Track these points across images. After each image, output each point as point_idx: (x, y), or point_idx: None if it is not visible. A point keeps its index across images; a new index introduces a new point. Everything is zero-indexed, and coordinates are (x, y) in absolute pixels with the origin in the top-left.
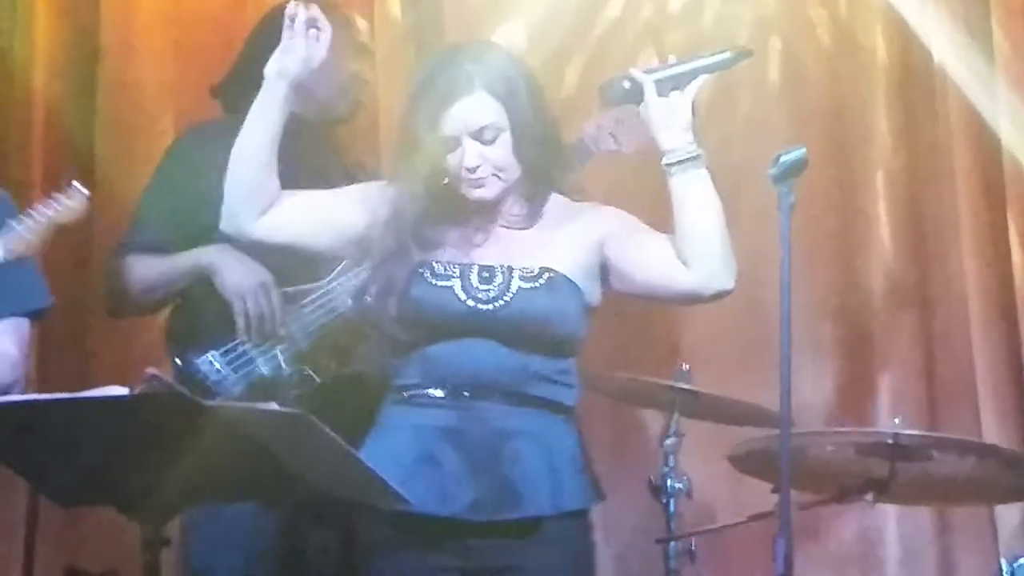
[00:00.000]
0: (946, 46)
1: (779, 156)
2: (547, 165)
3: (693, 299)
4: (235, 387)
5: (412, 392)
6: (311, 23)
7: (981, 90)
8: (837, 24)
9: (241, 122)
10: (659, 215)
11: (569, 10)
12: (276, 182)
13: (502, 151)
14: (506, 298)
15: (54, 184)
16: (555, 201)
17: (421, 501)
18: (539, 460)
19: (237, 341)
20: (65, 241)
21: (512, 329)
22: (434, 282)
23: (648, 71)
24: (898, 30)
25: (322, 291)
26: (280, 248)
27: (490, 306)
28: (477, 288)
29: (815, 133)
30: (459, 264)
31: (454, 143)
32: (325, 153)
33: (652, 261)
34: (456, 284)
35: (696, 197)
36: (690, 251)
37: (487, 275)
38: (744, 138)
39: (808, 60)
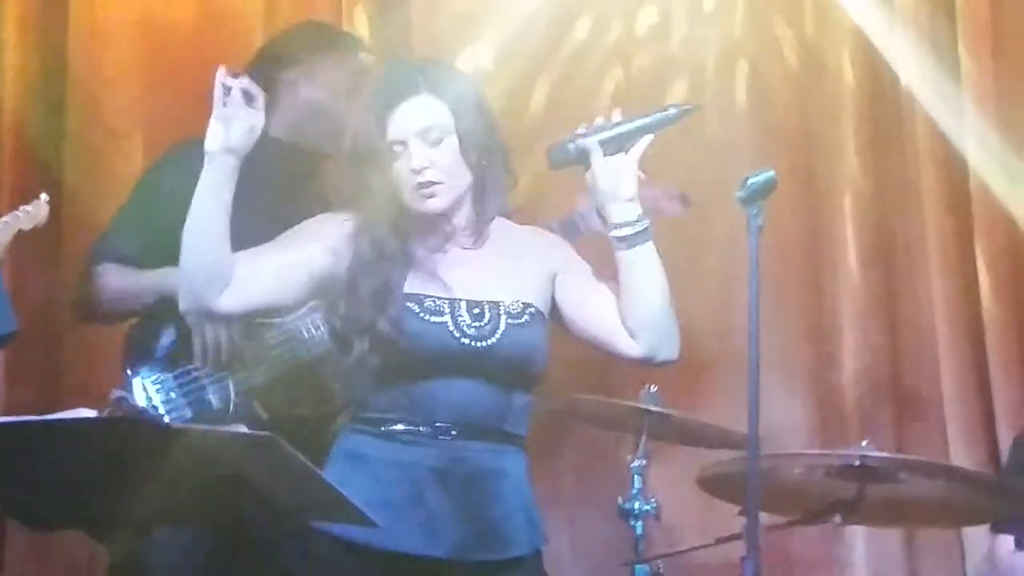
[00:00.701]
0: (913, 68)
1: (747, 178)
2: (495, 173)
3: (636, 363)
4: (183, 411)
5: (391, 427)
6: (247, 94)
7: (948, 112)
8: (804, 46)
9: None
10: None
11: (537, 32)
12: (229, 251)
13: (449, 155)
14: (496, 336)
15: (21, 200)
16: (499, 222)
17: (408, 542)
18: (516, 499)
19: (191, 367)
20: (34, 258)
21: (501, 367)
22: (426, 317)
23: (594, 131)
24: (865, 52)
25: (286, 327)
26: (248, 314)
27: (482, 344)
28: (469, 325)
29: (783, 155)
30: (447, 299)
31: (401, 147)
32: (309, 186)
33: (597, 319)
34: (448, 320)
35: (643, 271)
36: (636, 323)
37: (477, 311)
38: (712, 160)
39: (776, 82)
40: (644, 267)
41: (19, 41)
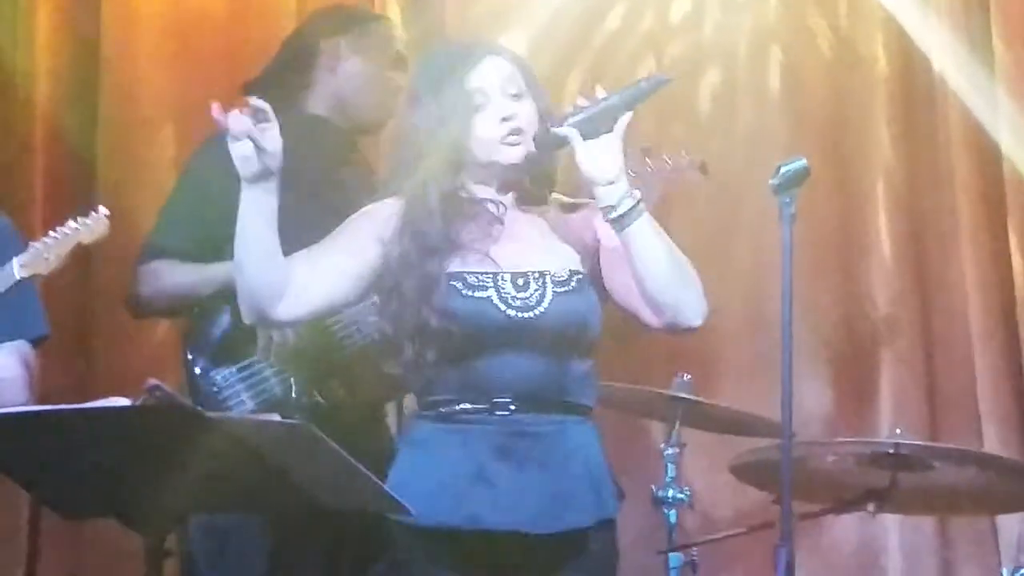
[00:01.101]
0: (946, 55)
1: (780, 166)
2: (550, 150)
3: (661, 331)
4: (246, 405)
5: (449, 408)
6: (260, 119)
7: (981, 99)
8: (837, 34)
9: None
10: None
11: (570, 21)
12: (282, 262)
13: (529, 113)
14: (544, 305)
15: (56, 196)
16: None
17: (473, 518)
18: (582, 470)
19: (254, 359)
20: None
21: (552, 336)
22: (469, 293)
23: (572, 114)
24: (898, 40)
25: (342, 318)
26: (310, 318)
27: (529, 314)
28: (514, 296)
29: (815, 143)
30: (490, 273)
31: (483, 97)
32: (350, 163)
33: (626, 289)
34: (492, 294)
35: (642, 246)
36: (647, 296)
37: (521, 282)
38: (744, 148)
39: (808, 70)
40: (642, 242)
41: (52, 33)
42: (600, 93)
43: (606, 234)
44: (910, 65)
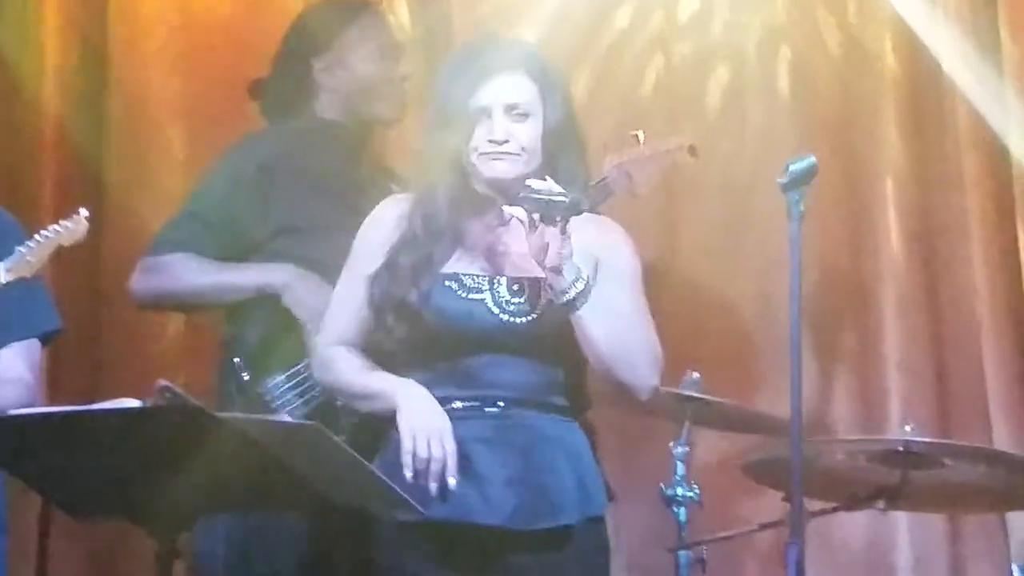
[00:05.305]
0: (955, 54)
1: (789, 164)
2: (569, 165)
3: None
4: (296, 411)
5: (442, 405)
6: None
7: (990, 98)
8: (846, 33)
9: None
10: None
11: (578, 20)
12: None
13: (530, 132)
14: (537, 311)
15: (63, 197)
16: None
17: (460, 512)
18: (568, 468)
19: (302, 364)
20: (76, 255)
21: (541, 343)
22: (465, 295)
23: (522, 196)
24: (907, 39)
25: None
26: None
27: (522, 319)
28: (508, 301)
29: (824, 141)
30: (487, 276)
31: (485, 115)
32: (365, 162)
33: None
34: (487, 297)
35: (592, 330)
36: (597, 366)
37: (516, 287)
38: (753, 147)
39: (817, 68)
40: (592, 326)
41: (59, 36)
42: (610, 161)
43: (615, 260)
44: (919, 64)
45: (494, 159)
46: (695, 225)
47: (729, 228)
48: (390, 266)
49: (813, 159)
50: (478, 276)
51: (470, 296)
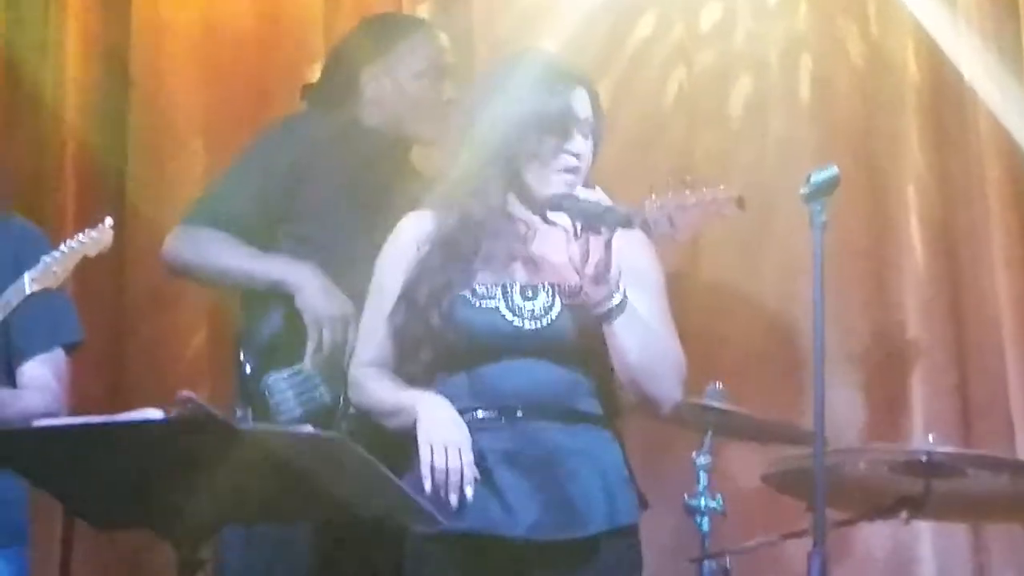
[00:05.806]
0: (976, 64)
1: (811, 175)
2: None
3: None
4: (295, 411)
5: (463, 416)
6: None
7: (1011, 107)
8: (868, 42)
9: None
10: None
11: (600, 30)
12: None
13: (588, 151)
14: (551, 315)
15: (87, 208)
16: None
17: (483, 523)
18: (593, 477)
19: (305, 365)
20: (100, 265)
21: (560, 346)
22: (476, 303)
23: (568, 204)
24: (929, 48)
25: None
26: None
27: (537, 324)
28: (521, 307)
29: (846, 151)
30: (499, 283)
31: (559, 129)
32: (401, 173)
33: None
34: (500, 304)
35: (624, 342)
36: (623, 378)
37: (530, 292)
38: (775, 156)
39: (839, 78)
40: (625, 338)
41: (81, 46)
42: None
43: (638, 267)
44: (941, 73)
45: (565, 172)
46: (717, 234)
47: (751, 238)
48: (409, 298)
49: (835, 170)
50: (490, 284)
51: (483, 304)
